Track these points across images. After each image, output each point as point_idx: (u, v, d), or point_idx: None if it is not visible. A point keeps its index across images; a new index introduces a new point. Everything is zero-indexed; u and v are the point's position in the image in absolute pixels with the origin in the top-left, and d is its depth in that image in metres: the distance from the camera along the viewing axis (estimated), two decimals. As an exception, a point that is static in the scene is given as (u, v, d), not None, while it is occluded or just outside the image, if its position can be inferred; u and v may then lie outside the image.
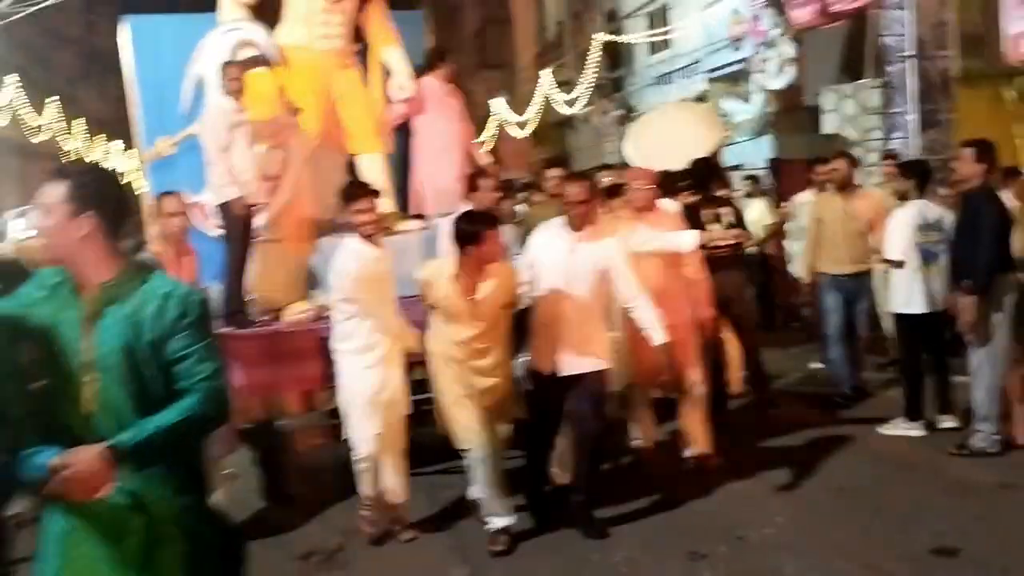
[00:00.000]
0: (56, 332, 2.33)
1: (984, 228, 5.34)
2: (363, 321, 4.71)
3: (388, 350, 4.77)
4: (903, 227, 6.01)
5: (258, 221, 6.03)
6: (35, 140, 23.11)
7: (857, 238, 6.84)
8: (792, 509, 4.98)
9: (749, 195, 9.71)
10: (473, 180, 5.62)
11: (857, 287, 6.91)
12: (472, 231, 4.52)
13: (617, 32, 18.65)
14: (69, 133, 25.40)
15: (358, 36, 6.76)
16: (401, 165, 6.94)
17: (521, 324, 4.89)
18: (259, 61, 6.34)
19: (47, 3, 15.85)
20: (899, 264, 6.02)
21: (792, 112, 11.55)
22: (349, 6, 6.62)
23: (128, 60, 6.85)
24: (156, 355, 2.35)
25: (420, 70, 6.90)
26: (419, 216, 6.74)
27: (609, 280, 4.77)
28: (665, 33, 15.42)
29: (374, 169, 6.57)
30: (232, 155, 5.93)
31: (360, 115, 6.64)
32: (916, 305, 5.98)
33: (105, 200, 2.40)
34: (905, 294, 6.04)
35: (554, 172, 6.08)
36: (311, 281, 6.22)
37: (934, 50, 9.77)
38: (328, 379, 5.06)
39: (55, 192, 2.35)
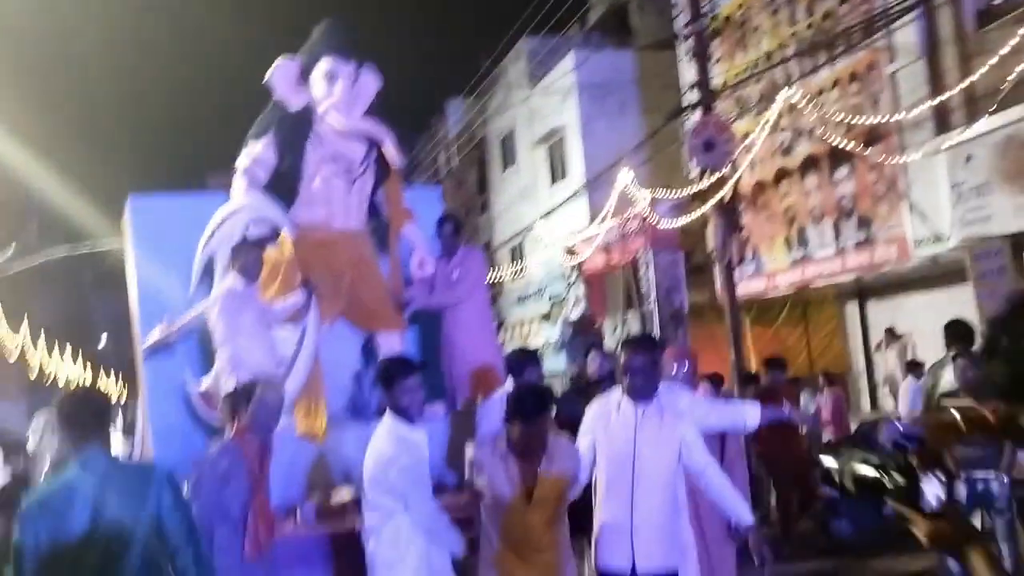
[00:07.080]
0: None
1: None
2: (400, 521, 4.10)
3: (429, 555, 4.14)
4: None
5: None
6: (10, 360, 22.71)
7: None
8: None
9: None
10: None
11: None
12: (526, 408, 3.99)
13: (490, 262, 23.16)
14: (35, 347, 24.78)
15: (375, 213, 6.45)
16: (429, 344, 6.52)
17: (577, 518, 4.28)
18: (275, 240, 5.97)
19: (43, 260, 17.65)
20: None
21: (586, 333, 15.43)
22: (365, 184, 6.34)
23: (129, 241, 6.42)
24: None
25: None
26: (449, 399, 6.21)
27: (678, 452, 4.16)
28: (521, 268, 20.07)
29: (393, 348, 6.06)
30: (243, 337, 5.47)
31: (378, 293, 6.22)
32: None
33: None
34: None
35: None
36: (326, 474, 5.58)
37: (670, 294, 14.26)
38: None
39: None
